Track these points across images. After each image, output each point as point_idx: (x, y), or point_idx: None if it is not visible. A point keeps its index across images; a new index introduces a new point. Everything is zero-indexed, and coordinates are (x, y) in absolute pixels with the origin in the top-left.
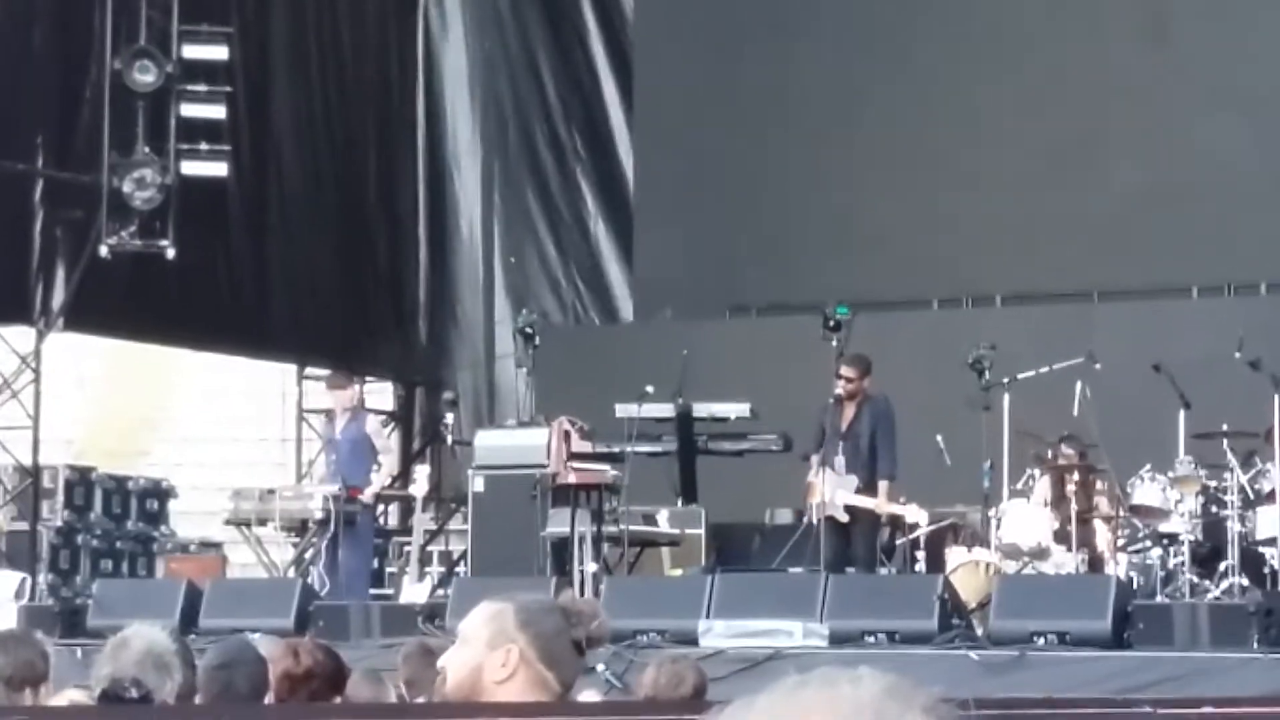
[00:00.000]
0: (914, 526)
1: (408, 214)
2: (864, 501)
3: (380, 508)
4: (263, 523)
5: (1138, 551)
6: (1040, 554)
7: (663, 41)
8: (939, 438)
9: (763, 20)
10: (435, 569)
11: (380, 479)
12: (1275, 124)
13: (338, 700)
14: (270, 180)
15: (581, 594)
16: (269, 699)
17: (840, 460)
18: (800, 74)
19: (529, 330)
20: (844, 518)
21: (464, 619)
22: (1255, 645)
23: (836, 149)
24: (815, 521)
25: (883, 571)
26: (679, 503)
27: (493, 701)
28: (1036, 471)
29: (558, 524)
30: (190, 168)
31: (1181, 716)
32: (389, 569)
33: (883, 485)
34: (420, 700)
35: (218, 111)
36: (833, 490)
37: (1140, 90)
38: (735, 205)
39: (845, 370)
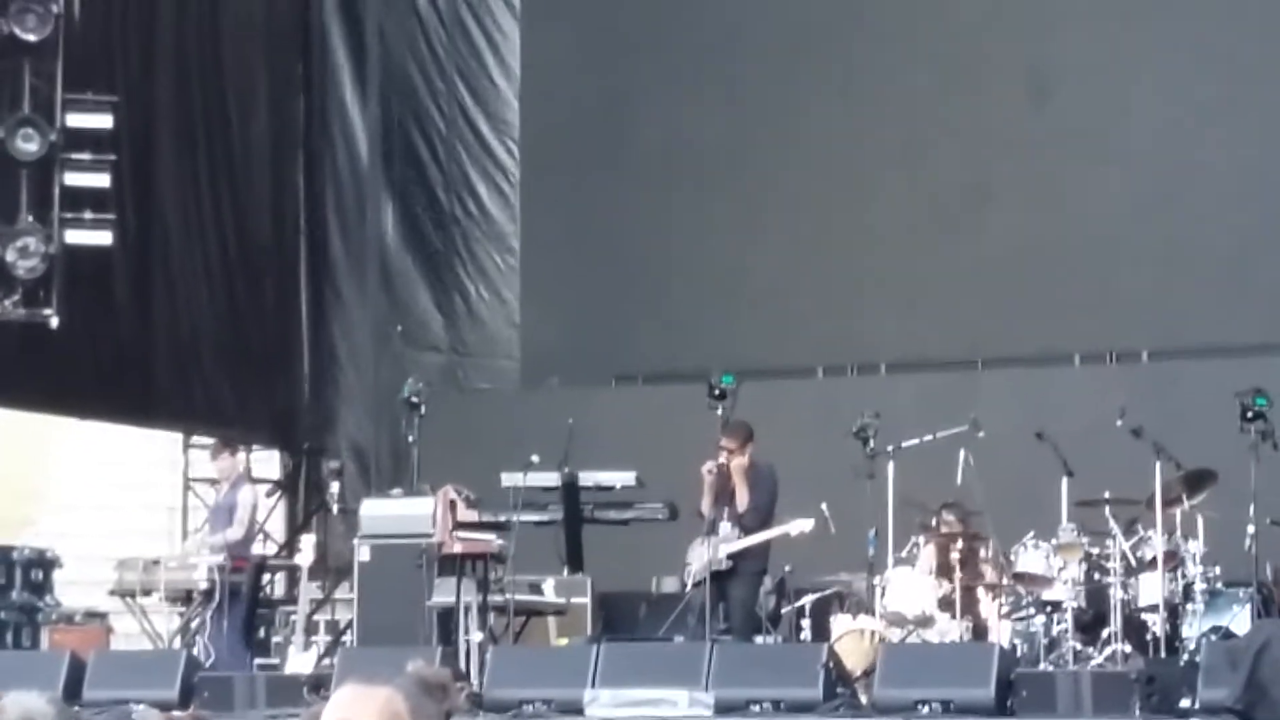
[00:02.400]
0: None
1: (295, 278)
2: (747, 541)
3: (266, 577)
4: (147, 593)
5: (1021, 619)
6: (925, 622)
7: (548, 105)
8: (824, 506)
9: (649, 83)
10: (321, 638)
11: (215, 540)
12: (1156, 185)
13: None
14: (155, 248)
15: (466, 664)
16: None
17: (725, 526)
18: (687, 138)
19: (414, 399)
20: (725, 565)
21: (341, 705)
22: (1138, 712)
23: (723, 217)
24: (695, 584)
25: (767, 640)
26: (565, 572)
27: None
28: (921, 539)
29: (443, 593)
30: (74, 236)
31: None
32: (274, 638)
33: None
34: None
35: (102, 180)
36: (713, 550)
37: (1023, 161)
38: (621, 272)
39: (725, 441)
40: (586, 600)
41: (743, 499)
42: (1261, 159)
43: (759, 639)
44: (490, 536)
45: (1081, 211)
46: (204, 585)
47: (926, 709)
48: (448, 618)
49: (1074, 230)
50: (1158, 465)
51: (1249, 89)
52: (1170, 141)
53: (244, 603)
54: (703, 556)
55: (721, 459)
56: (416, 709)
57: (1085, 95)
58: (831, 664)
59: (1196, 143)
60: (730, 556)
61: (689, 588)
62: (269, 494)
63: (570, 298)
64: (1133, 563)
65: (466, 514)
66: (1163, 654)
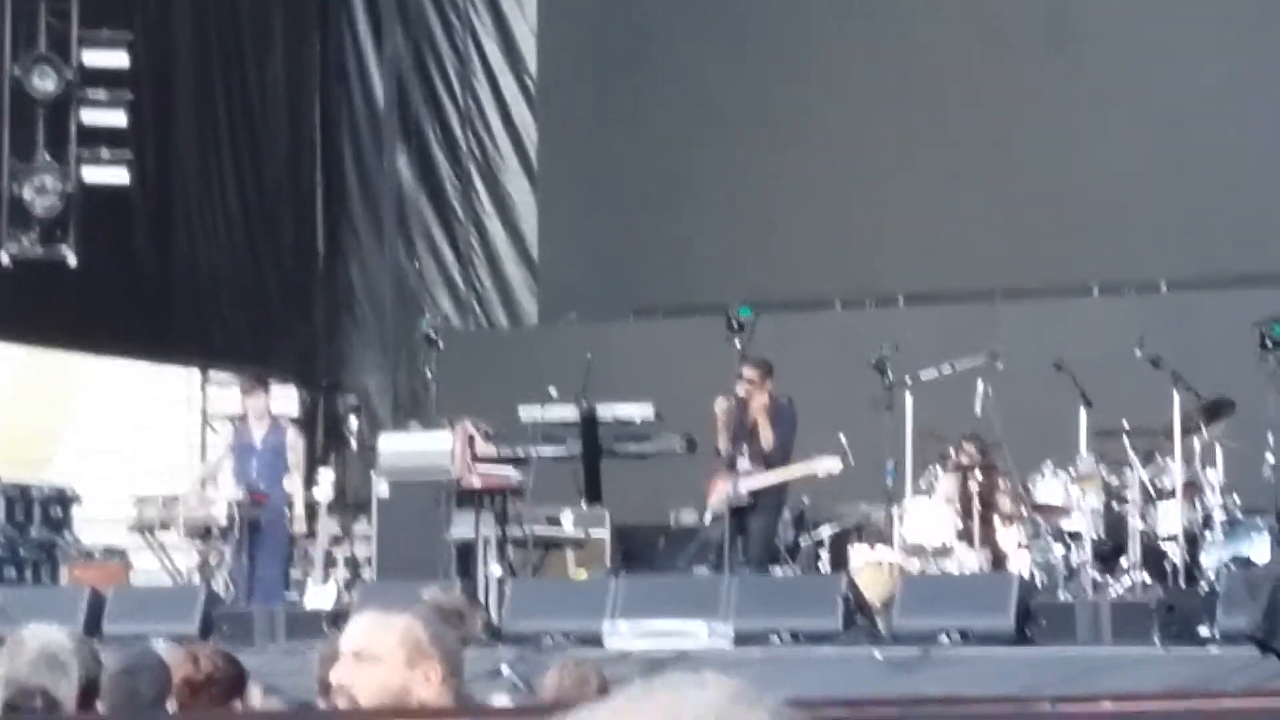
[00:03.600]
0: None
1: (312, 218)
2: (770, 477)
3: (287, 513)
4: (166, 528)
5: (1040, 549)
6: (943, 552)
7: (566, 40)
8: (842, 437)
9: (668, 21)
10: (340, 573)
11: (296, 490)
12: (1174, 124)
13: (238, 705)
14: (173, 185)
15: (485, 598)
16: (171, 705)
17: (744, 462)
18: (705, 74)
19: (432, 334)
20: (746, 501)
21: (358, 636)
22: (1157, 641)
23: (740, 149)
24: (718, 517)
25: (787, 571)
26: (583, 505)
27: (402, 707)
28: (939, 470)
29: (462, 527)
30: (91, 174)
31: (1081, 713)
32: (294, 574)
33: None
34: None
35: (119, 118)
36: (734, 486)
37: (1041, 92)
38: (639, 207)
39: (747, 371)
40: (605, 533)
41: (766, 436)
42: (1277, 87)
43: (777, 570)
44: (509, 470)
45: (1099, 145)
46: (223, 521)
47: (946, 639)
48: (466, 551)
49: (1092, 163)
50: (1176, 395)
51: (1269, 22)
52: (1189, 76)
53: (283, 540)
54: (723, 492)
55: (741, 391)
56: (435, 636)
57: (1104, 33)
58: (850, 595)
59: (1215, 77)
60: (751, 493)
61: (709, 523)
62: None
63: (588, 232)
64: (1151, 492)
65: (485, 448)
66: (1182, 583)
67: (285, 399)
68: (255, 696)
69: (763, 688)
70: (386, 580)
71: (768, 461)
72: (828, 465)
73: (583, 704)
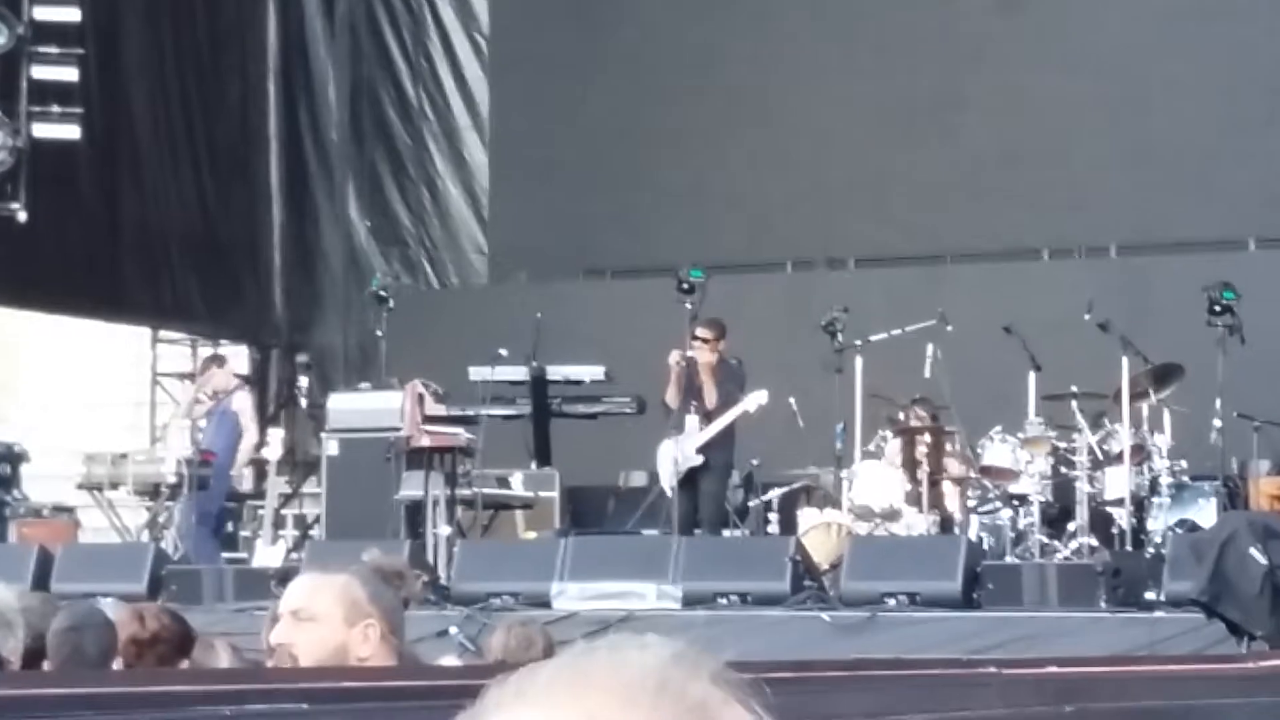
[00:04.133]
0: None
1: (263, 176)
2: (711, 429)
3: (235, 473)
4: (115, 487)
5: (988, 512)
6: (892, 515)
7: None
8: (792, 400)
9: None
10: (289, 533)
11: (243, 455)
12: (1125, 88)
13: (185, 664)
14: (123, 142)
15: (434, 558)
16: (117, 664)
17: (692, 422)
18: (656, 35)
19: (383, 293)
20: (698, 460)
21: (297, 595)
22: (1102, 605)
23: (692, 110)
24: (670, 490)
25: (735, 533)
26: (533, 466)
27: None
28: (888, 433)
29: (411, 487)
30: (41, 130)
31: (1026, 676)
32: (242, 533)
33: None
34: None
35: (69, 73)
36: (682, 449)
37: (992, 53)
38: (591, 167)
39: (700, 332)
40: (554, 494)
41: (711, 395)
42: (1229, 57)
43: (726, 532)
44: (458, 430)
45: (1050, 109)
46: (172, 479)
47: (893, 601)
48: (415, 511)
49: (1043, 128)
50: (1125, 359)
51: None
52: (1139, 42)
53: (215, 497)
54: (675, 457)
55: (693, 352)
56: (374, 595)
57: (1054, 0)
58: (799, 557)
59: (1165, 42)
60: (699, 450)
61: (668, 492)
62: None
63: (539, 192)
64: (1099, 456)
65: (434, 408)
66: (1128, 547)
67: (236, 358)
68: (223, 658)
69: (710, 650)
70: (335, 539)
71: (712, 419)
72: (756, 399)
73: (528, 665)
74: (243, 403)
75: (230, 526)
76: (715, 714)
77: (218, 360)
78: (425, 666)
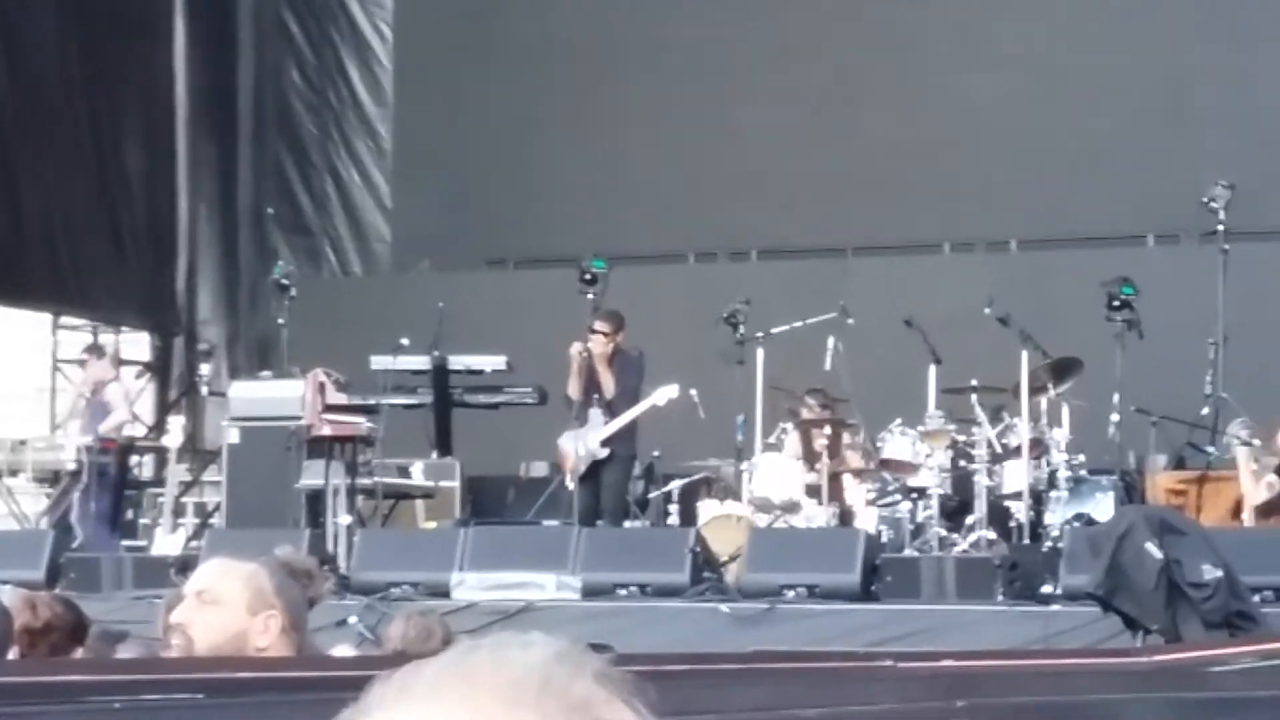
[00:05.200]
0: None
1: (165, 164)
2: (617, 422)
3: (135, 459)
4: (14, 474)
5: (887, 505)
6: (791, 507)
7: None
8: (693, 391)
9: None
10: (189, 521)
11: (106, 426)
12: (1028, 82)
13: (79, 653)
14: (26, 127)
15: (334, 547)
16: (13, 653)
17: (595, 414)
18: (560, 26)
19: (285, 281)
20: (603, 453)
21: (204, 577)
22: (1000, 598)
23: (596, 101)
24: (570, 484)
25: (636, 524)
26: (434, 455)
27: (242, 658)
28: (789, 425)
29: (312, 476)
30: None
31: (922, 670)
32: (142, 521)
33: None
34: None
35: None
36: (585, 442)
37: (895, 45)
38: (493, 157)
39: (598, 325)
40: (455, 483)
41: (608, 385)
42: (1130, 54)
43: (627, 524)
44: (359, 419)
45: (952, 104)
46: (71, 466)
47: (792, 593)
48: (316, 500)
49: (944, 121)
50: (1024, 353)
51: None
52: (1041, 38)
53: (111, 485)
54: (577, 450)
55: (592, 344)
56: (280, 587)
57: None
58: (698, 549)
59: (1067, 38)
60: (604, 443)
61: (569, 483)
62: (138, 376)
63: (442, 181)
64: (998, 450)
65: (335, 397)
66: (1026, 540)
67: (137, 345)
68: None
69: (610, 641)
70: (236, 528)
71: (614, 410)
72: (666, 393)
73: (425, 656)
74: (114, 393)
75: (130, 514)
76: (598, 712)
77: (96, 351)
78: (321, 657)
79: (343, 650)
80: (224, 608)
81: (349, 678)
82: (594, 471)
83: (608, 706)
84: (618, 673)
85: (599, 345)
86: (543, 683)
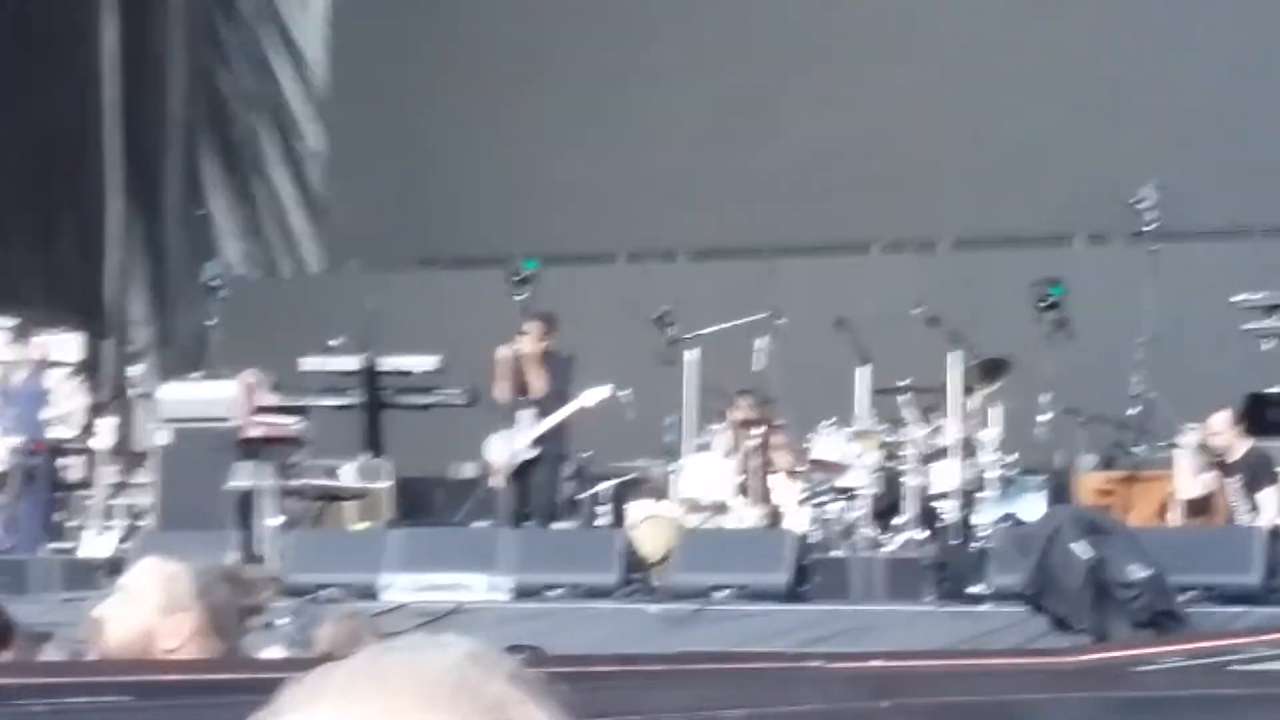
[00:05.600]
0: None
1: (97, 164)
2: (547, 422)
3: (64, 460)
4: None
5: (817, 505)
6: (721, 508)
7: None
8: (623, 392)
9: None
10: (119, 522)
11: (49, 432)
12: (957, 82)
13: (6, 656)
14: None
15: (264, 549)
16: None
17: (524, 414)
18: (491, 28)
19: (215, 283)
20: (532, 453)
21: (130, 573)
22: (929, 598)
23: (526, 103)
24: (502, 484)
25: (566, 525)
26: (364, 456)
27: (168, 660)
28: (719, 426)
29: (242, 477)
30: None
31: (851, 670)
32: (71, 523)
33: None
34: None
35: None
36: (514, 443)
37: (827, 46)
38: (424, 158)
39: (528, 326)
40: (386, 485)
41: (538, 385)
42: (1060, 56)
43: (556, 524)
44: (289, 420)
45: (884, 105)
46: (1, 468)
47: (721, 594)
48: (246, 501)
49: (875, 123)
50: (954, 354)
51: None
52: (972, 39)
53: (42, 487)
54: (504, 450)
55: (521, 344)
56: (202, 590)
57: None
58: (628, 549)
59: (997, 40)
60: (533, 442)
61: (502, 483)
62: (70, 376)
63: (373, 182)
64: (928, 450)
65: (266, 398)
66: (956, 541)
67: (68, 346)
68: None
69: (539, 641)
70: (166, 530)
71: (543, 410)
72: (595, 394)
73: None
74: (51, 380)
75: (59, 516)
76: (512, 713)
77: (17, 331)
78: (249, 659)
79: (272, 652)
80: (135, 604)
81: (278, 680)
82: (523, 471)
83: (521, 707)
84: (531, 674)
85: (529, 345)
86: (457, 684)
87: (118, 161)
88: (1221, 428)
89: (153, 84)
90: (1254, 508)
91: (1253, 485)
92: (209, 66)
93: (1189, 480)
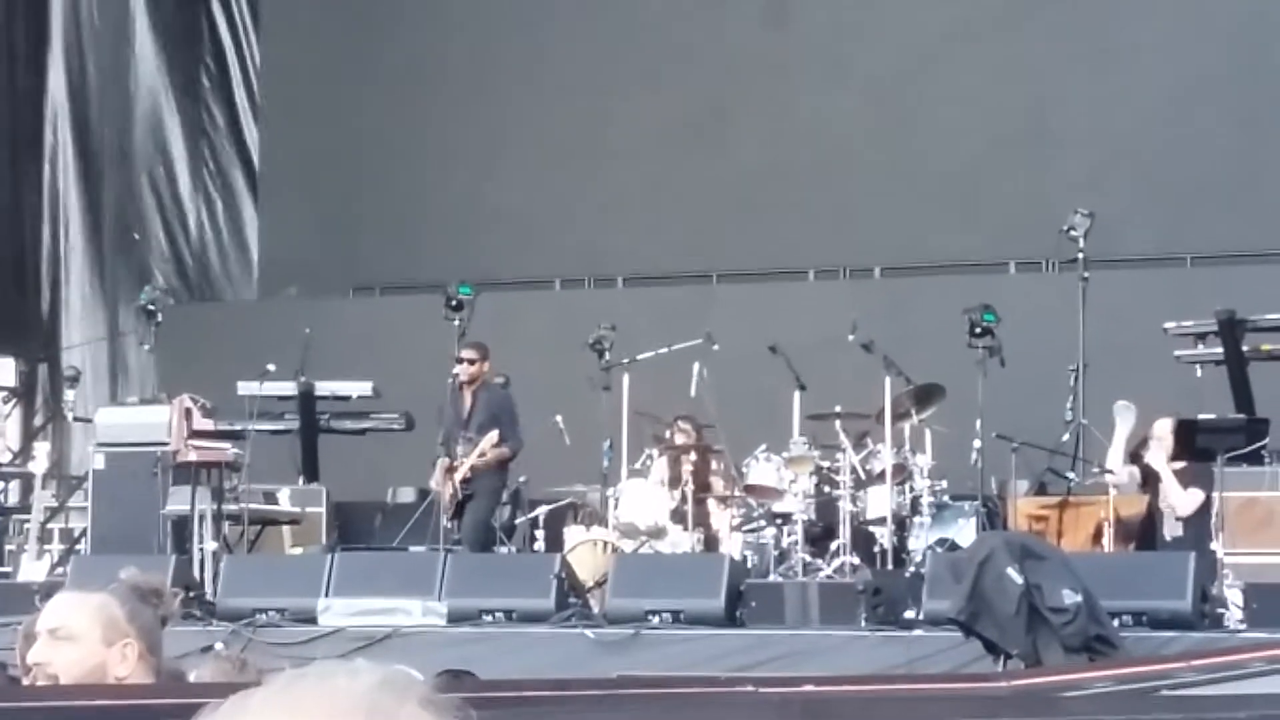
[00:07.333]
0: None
1: (32, 186)
2: (472, 458)
3: None
4: None
5: (752, 531)
6: (657, 533)
7: (292, 13)
8: (558, 417)
9: None
10: (55, 547)
11: None
12: (891, 109)
13: None
14: None
15: (201, 573)
16: None
17: (462, 449)
18: (428, 52)
19: (151, 307)
20: (465, 492)
21: (54, 614)
22: (863, 623)
23: (464, 127)
24: (446, 515)
25: (501, 550)
26: (300, 481)
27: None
28: (655, 452)
29: (178, 502)
30: None
31: (783, 695)
32: (8, 547)
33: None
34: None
35: None
36: (451, 483)
37: (759, 70)
38: (360, 183)
39: (465, 353)
40: (322, 509)
41: (475, 416)
42: (992, 83)
43: (495, 549)
44: (225, 445)
45: (817, 131)
46: None
47: (657, 619)
48: (182, 526)
49: (809, 149)
50: (888, 380)
51: (982, 14)
52: (904, 65)
53: None
54: (446, 494)
55: (459, 372)
56: (132, 614)
57: (823, 13)
58: (564, 574)
59: (929, 67)
60: (463, 481)
61: (445, 521)
62: (4, 401)
63: (308, 208)
64: (862, 476)
65: (202, 422)
66: (889, 566)
67: (2, 370)
68: None
69: (474, 666)
70: (101, 554)
71: (477, 440)
72: (489, 440)
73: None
74: None
75: None
76: None
77: None
78: (180, 684)
79: (205, 676)
80: (79, 643)
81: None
82: (461, 502)
83: None
84: (443, 698)
85: (465, 373)
86: (370, 709)
87: (52, 184)
88: (1164, 433)
89: (91, 106)
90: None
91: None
92: (152, 88)
93: (1181, 496)
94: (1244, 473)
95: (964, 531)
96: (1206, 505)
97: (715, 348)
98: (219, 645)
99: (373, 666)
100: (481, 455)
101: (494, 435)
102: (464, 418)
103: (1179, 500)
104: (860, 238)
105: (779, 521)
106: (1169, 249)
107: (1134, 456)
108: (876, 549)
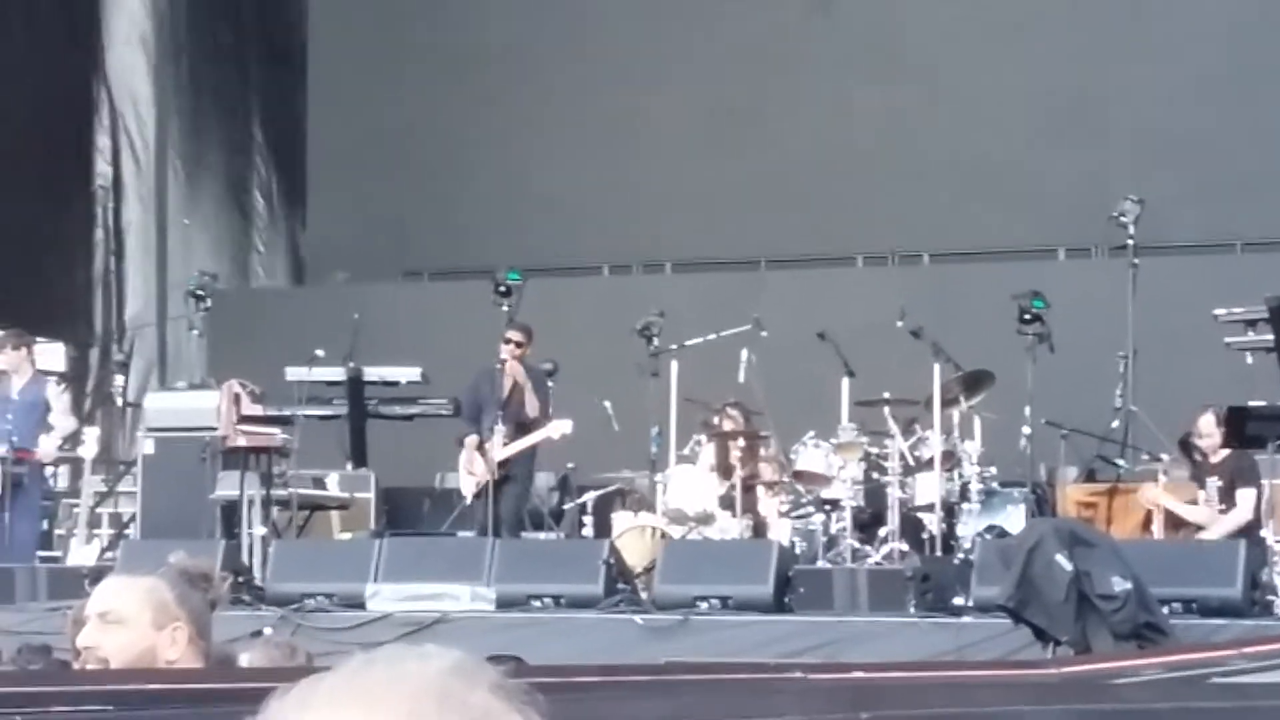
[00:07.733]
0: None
1: (84, 173)
2: (514, 446)
3: (50, 470)
4: None
5: (801, 517)
6: (705, 519)
7: (338, 4)
8: (607, 403)
9: None
10: (104, 531)
11: (53, 441)
12: (941, 96)
13: None
14: None
15: (249, 558)
16: None
17: (501, 429)
18: (475, 38)
19: (200, 292)
20: (499, 475)
21: (104, 598)
22: (911, 610)
23: (511, 113)
24: (477, 496)
25: (550, 535)
26: (349, 466)
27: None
28: (703, 438)
29: (227, 487)
30: None
31: (832, 681)
32: (57, 531)
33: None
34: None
35: None
36: (485, 463)
37: (809, 59)
38: (409, 169)
39: (512, 334)
40: (370, 495)
41: (532, 403)
42: (1041, 70)
43: (541, 535)
44: (274, 430)
45: (866, 118)
46: None
47: (705, 605)
48: (231, 511)
49: (858, 136)
50: (936, 366)
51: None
52: (954, 53)
53: (32, 497)
54: (473, 475)
55: (505, 353)
56: (181, 598)
57: (872, 6)
58: (612, 560)
59: (979, 54)
60: (500, 464)
61: (468, 500)
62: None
63: (358, 194)
64: (911, 462)
65: (251, 408)
66: (938, 552)
67: (52, 355)
68: None
69: (523, 652)
70: (150, 539)
71: (529, 428)
72: (559, 427)
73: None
74: (54, 389)
75: (45, 525)
76: None
77: (20, 339)
78: (230, 668)
79: (257, 661)
80: (129, 626)
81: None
82: (497, 485)
83: (505, 717)
84: (512, 683)
85: (511, 354)
86: (441, 695)
87: (103, 171)
88: (1209, 429)
89: (140, 93)
90: (1231, 506)
91: (1232, 485)
92: (197, 73)
93: (1211, 517)
94: None
95: (1013, 518)
96: (1258, 499)
97: (764, 334)
98: (268, 630)
99: (443, 651)
100: (547, 439)
101: (567, 424)
102: (503, 398)
103: (1207, 520)
104: (909, 224)
105: (827, 508)
106: (1219, 235)
107: (1184, 445)
108: (925, 535)
